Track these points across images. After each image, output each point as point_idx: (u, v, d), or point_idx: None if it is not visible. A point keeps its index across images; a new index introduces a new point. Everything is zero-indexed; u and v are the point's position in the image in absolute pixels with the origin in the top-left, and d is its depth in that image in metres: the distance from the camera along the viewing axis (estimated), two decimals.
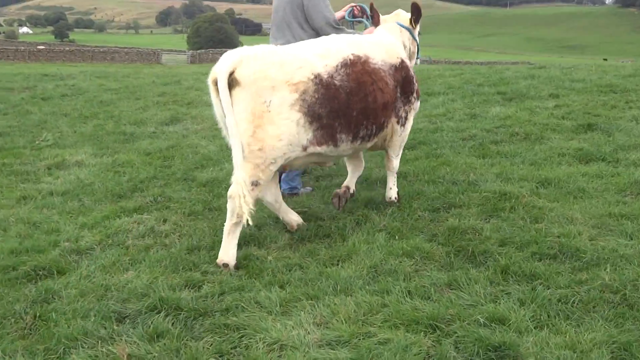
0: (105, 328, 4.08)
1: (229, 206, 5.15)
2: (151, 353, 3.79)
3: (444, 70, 16.25)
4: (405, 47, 6.51)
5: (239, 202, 5.01)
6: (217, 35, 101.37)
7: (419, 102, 6.57)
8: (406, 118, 6.30)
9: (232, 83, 5.06)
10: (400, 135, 6.31)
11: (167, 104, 13.50)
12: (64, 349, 3.86)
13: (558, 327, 3.94)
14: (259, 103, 5.08)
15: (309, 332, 3.96)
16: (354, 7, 7.08)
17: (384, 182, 6.94)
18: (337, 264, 5.05)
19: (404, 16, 6.69)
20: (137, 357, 3.77)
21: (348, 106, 5.49)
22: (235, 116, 5.06)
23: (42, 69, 23.94)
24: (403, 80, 6.12)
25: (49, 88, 16.18)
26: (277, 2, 7.03)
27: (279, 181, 6.33)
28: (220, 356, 3.78)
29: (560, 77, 13.74)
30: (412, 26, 6.63)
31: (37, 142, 10.01)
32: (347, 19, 7.02)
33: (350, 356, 3.69)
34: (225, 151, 8.83)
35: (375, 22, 6.71)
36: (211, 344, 3.89)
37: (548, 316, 4.06)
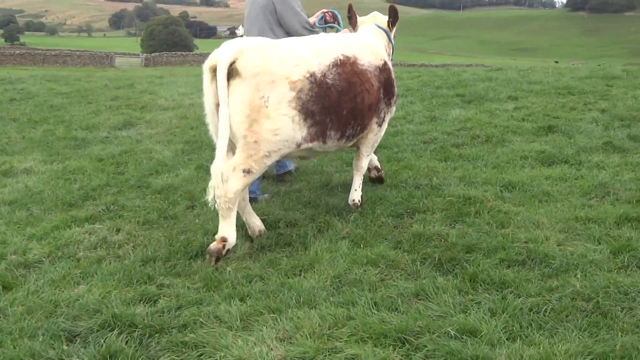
0: (54, 348, 3.84)
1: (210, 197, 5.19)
2: None
3: (401, 73, 16.16)
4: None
5: (219, 193, 5.07)
6: (171, 38, 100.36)
7: (395, 106, 6.61)
8: (384, 119, 6.37)
9: (231, 73, 5.08)
10: (375, 134, 6.35)
11: (120, 108, 13.10)
12: None
13: (531, 338, 3.80)
14: (257, 97, 5.10)
15: (272, 349, 3.76)
16: (326, 14, 7.15)
17: (344, 187, 6.79)
18: (300, 274, 4.86)
19: (381, 18, 6.77)
20: None
21: (339, 105, 5.54)
22: (230, 107, 5.08)
23: None
24: (385, 82, 6.17)
25: None
26: (249, 9, 7.04)
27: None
28: None
29: (517, 79, 13.79)
30: (390, 29, 6.71)
31: None
32: (318, 26, 7.03)
33: None
34: (180, 156, 8.58)
35: (353, 24, 6.77)
36: None
37: (520, 327, 3.91)
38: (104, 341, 3.88)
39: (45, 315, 4.27)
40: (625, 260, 4.76)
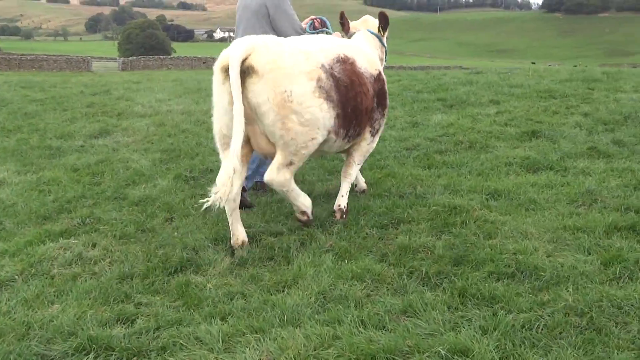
0: None
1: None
2: None
3: None
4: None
5: (225, 191, 4.92)
6: (148, 42, 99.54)
7: (385, 118, 6.54)
8: (377, 130, 6.34)
9: (246, 72, 5.05)
10: (368, 143, 6.31)
11: (96, 115, 12.81)
12: None
13: (525, 357, 3.64)
14: (280, 92, 5.10)
15: None
16: (315, 20, 7.11)
17: (327, 196, 6.64)
18: (283, 291, 4.67)
19: (372, 22, 6.79)
20: None
21: (346, 100, 5.56)
22: (257, 110, 5.12)
23: None
24: (379, 92, 6.15)
25: None
26: (240, 13, 6.98)
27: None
28: None
29: (498, 82, 13.74)
30: (381, 34, 6.69)
31: None
32: (308, 32, 6.93)
33: None
34: (158, 166, 8.39)
35: (346, 30, 6.77)
36: None
37: (513, 345, 3.75)
38: None
39: (17, 338, 4.05)
40: (617, 271, 4.62)
